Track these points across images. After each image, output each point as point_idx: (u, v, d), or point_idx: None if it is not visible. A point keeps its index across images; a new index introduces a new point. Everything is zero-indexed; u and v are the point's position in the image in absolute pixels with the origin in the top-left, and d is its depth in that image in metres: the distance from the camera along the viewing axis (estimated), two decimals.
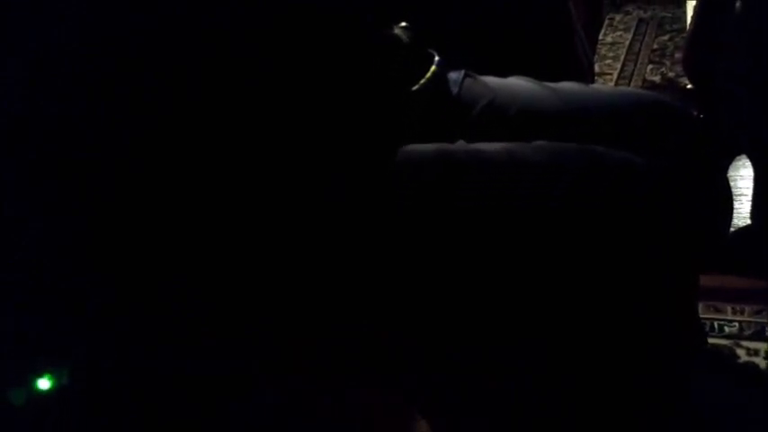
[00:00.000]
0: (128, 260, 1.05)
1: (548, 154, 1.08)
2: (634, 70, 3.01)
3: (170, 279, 1.05)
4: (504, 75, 1.33)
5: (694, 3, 2.01)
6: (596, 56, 2.92)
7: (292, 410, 1.08)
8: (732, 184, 1.70)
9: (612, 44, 3.22)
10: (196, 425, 1.08)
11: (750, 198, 2.02)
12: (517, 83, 1.30)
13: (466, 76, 1.29)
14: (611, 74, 3.00)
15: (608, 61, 3.09)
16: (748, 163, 2.05)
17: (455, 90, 1.26)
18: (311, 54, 1.06)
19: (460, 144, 1.14)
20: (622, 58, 3.11)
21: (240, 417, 1.07)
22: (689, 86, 2.06)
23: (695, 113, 1.91)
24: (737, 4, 1.80)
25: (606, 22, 3.26)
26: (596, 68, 2.91)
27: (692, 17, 2.00)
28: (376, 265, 1.04)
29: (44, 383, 1.06)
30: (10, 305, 1.05)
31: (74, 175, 1.03)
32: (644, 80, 2.94)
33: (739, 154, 2.04)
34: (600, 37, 2.95)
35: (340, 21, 1.11)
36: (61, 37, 1.01)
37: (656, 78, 2.93)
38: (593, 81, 2.07)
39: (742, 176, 2.14)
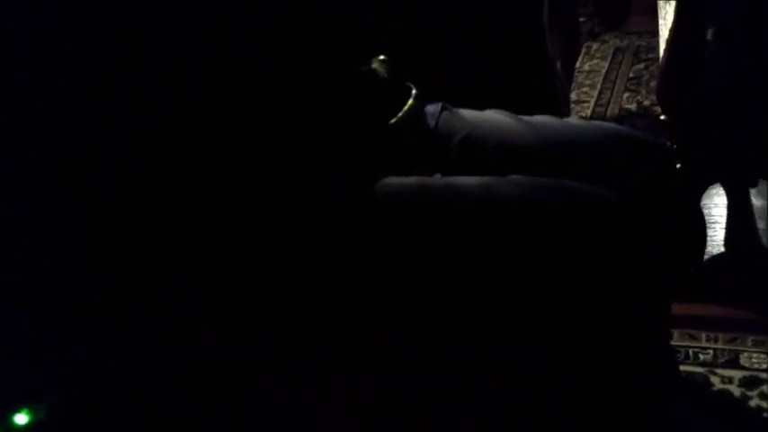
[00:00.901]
0: (128, 260, 1.05)
1: (523, 189, 1.10)
2: (611, 98, 3.05)
3: (170, 279, 1.05)
4: (480, 108, 1.35)
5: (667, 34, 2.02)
6: (574, 83, 2.94)
7: (292, 410, 1.08)
8: (706, 212, 1.71)
9: (590, 72, 3.26)
10: (196, 425, 1.08)
11: (724, 226, 2.03)
12: (494, 116, 1.31)
13: (443, 109, 1.30)
14: (587, 101, 3.03)
15: (585, 89, 3.12)
16: (722, 191, 2.06)
17: (432, 123, 1.28)
18: (309, 55, 1.07)
19: (437, 178, 1.16)
20: (599, 86, 3.15)
21: (240, 417, 1.07)
22: (662, 117, 2.08)
23: (668, 144, 1.92)
24: (709, 33, 1.82)
25: (583, 50, 3.29)
26: (573, 96, 2.94)
27: (665, 48, 2.02)
28: (375, 264, 1.04)
29: (21, 419, 1.06)
30: (10, 305, 1.05)
31: (74, 175, 1.03)
32: (620, 108, 2.98)
33: (713, 183, 2.05)
34: (577, 65, 2.99)
35: (339, 21, 1.11)
36: (61, 37, 1.01)
37: (632, 106, 2.97)
38: (568, 111, 2.08)
39: (716, 204, 2.14)
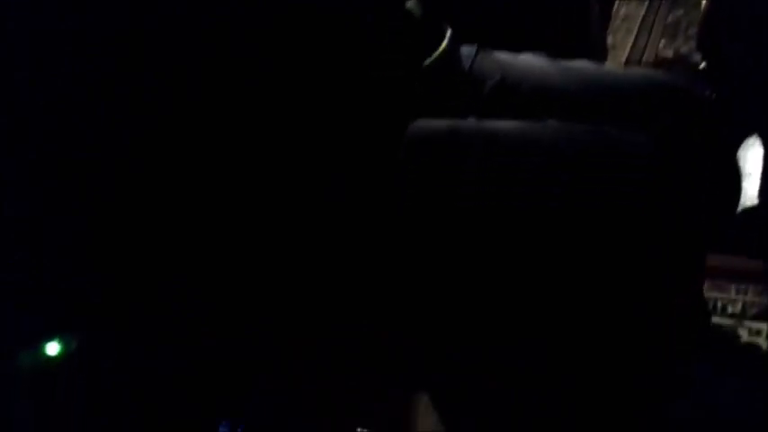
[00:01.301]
0: (128, 260, 1.05)
1: (560, 134, 1.08)
2: (647, 45, 2.88)
3: (170, 279, 1.05)
4: (516, 51, 1.31)
5: None
6: (609, 29, 2.84)
7: (292, 410, 1.08)
8: (741, 163, 1.67)
9: (626, 17, 3.12)
10: (196, 425, 1.08)
11: (758, 178, 1.98)
12: (529, 60, 1.28)
13: (478, 51, 1.26)
14: (623, 47, 2.87)
15: (620, 34, 2.94)
16: (758, 143, 2.00)
17: (467, 65, 1.24)
18: (312, 54, 1.06)
19: (471, 121, 1.13)
20: (635, 31, 2.95)
21: (240, 417, 1.07)
22: (702, 66, 2.02)
23: (707, 93, 1.88)
24: None
25: None
26: (608, 41, 2.83)
27: None
28: (375, 264, 1.04)
29: (52, 349, 1.05)
30: (10, 305, 1.04)
31: (74, 175, 1.03)
32: (656, 55, 2.83)
33: (750, 134, 2.01)
34: (613, 9, 2.88)
35: (340, 22, 1.11)
36: (61, 37, 1.01)
37: (669, 54, 2.85)
38: (605, 56, 2.02)
39: (751, 156, 2.10)
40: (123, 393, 1.07)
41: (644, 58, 2.83)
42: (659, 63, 2.78)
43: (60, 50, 1.01)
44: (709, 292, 1.74)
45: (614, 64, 2.64)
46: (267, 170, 1.05)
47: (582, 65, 1.28)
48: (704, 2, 2.02)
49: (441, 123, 1.11)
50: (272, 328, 1.06)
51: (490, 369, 1.04)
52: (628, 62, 2.80)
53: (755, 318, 1.70)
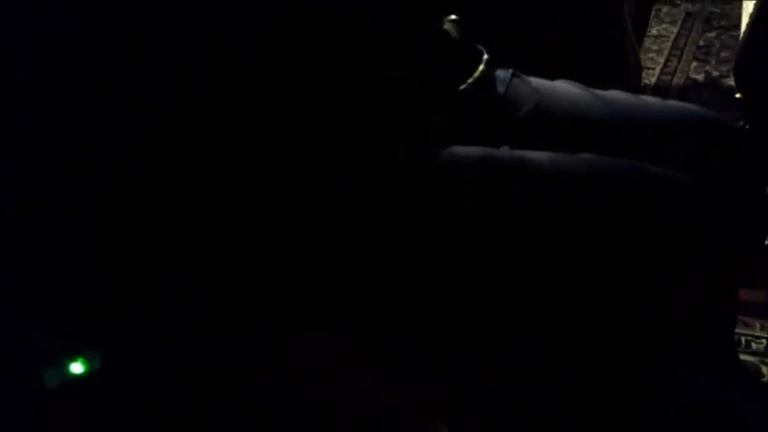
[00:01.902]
0: (128, 260, 1.05)
1: (595, 169, 1.07)
2: (678, 66, 2.87)
3: (170, 279, 1.05)
4: (551, 77, 1.30)
5: (752, 2, 1.93)
6: (641, 49, 2.80)
7: (292, 410, 1.07)
8: None
9: (657, 37, 3.04)
10: (196, 425, 1.08)
11: None
12: (565, 87, 1.28)
13: (513, 75, 1.26)
14: (653, 68, 2.85)
15: (651, 54, 2.93)
16: None
17: (501, 90, 1.23)
18: (313, 54, 1.06)
19: (505, 150, 1.12)
20: (666, 52, 2.95)
21: (240, 416, 1.07)
22: (737, 95, 1.99)
23: (740, 124, 1.86)
24: None
25: (653, 13, 3.11)
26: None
27: (750, 20, 1.88)
28: (375, 264, 1.04)
29: (77, 367, 1.05)
30: (10, 305, 1.05)
31: (74, 175, 1.03)
32: (687, 77, 2.80)
33: None
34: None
35: (341, 22, 1.11)
36: (61, 37, 1.01)
37: (700, 77, 2.78)
38: (640, 81, 2.00)
39: None
40: (123, 393, 1.06)
41: (674, 81, 2.80)
42: (689, 86, 2.75)
43: (60, 50, 1.01)
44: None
45: (645, 86, 2.60)
46: (268, 170, 1.05)
47: (617, 95, 1.27)
48: (744, 25, 1.98)
49: (473, 150, 1.10)
50: (271, 328, 1.06)
51: (490, 369, 1.04)
52: (658, 84, 2.77)
53: None
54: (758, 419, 1.41)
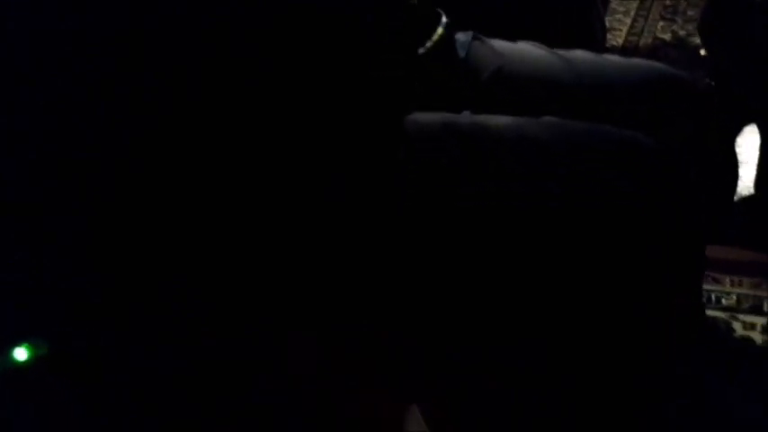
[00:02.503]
0: (127, 260, 1.05)
1: (557, 132, 1.05)
2: (644, 26, 2.85)
3: (170, 279, 1.05)
4: (513, 38, 1.27)
5: None
6: (607, 10, 2.79)
7: (292, 411, 1.07)
8: (737, 151, 1.67)
9: None
10: (196, 425, 1.08)
11: (754, 167, 1.94)
12: (528, 49, 1.25)
13: (474, 38, 1.23)
14: (620, 29, 2.83)
15: (618, 16, 2.90)
16: (755, 130, 1.95)
17: (462, 53, 1.20)
18: (312, 54, 1.06)
19: (466, 115, 1.10)
20: (633, 13, 2.92)
21: (240, 416, 1.07)
22: (702, 52, 1.98)
23: (707, 81, 1.84)
24: None
25: None
26: (606, 24, 2.78)
27: None
28: (375, 264, 1.04)
29: (21, 354, 1.04)
30: (10, 305, 1.04)
31: (74, 175, 1.03)
32: (654, 37, 2.79)
33: (748, 122, 1.95)
34: None
35: (341, 22, 1.11)
36: (61, 37, 1.01)
37: (667, 36, 2.78)
38: (605, 42, 1.99)
39: (747, 144, 2.01)
40: (123, 393, 1.06)
41: (642, 41, 2.79)
42: (656, 46, 2.74)
43: (60, 50, 1.01)
44: (704, 284, 1.71)
45: (612, 47, 2.59)
46: (267, 170, 1.05)
47: (581, 55, 1.24)
48: None
49: (434, 117, 1.08)
50: (271, 328, 1.06)
51: (490, 369, 1.03)
52: (625, 45, 2.76)
53: (750, 311, 1.67)
54: (759, 419, 1.42)
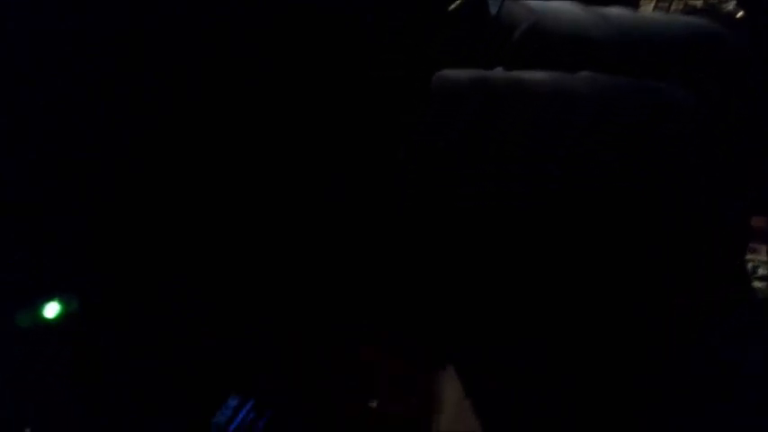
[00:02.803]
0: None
1: (595, 87, 1.03)
2: None
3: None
4: None
5: None
6: None
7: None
8: None
9: None
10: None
11: None
12: (562, 6, 1.20)
13: None
14: None
15: None
16: None
17: (494, 10, 1.16)
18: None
19: (499, 71, 1.07)
20: None
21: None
22: (740, 14, 1.94)
23: (745, 42, 1.80)
24: None
25: None
26: None
27: None
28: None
29: (51, 310, 1.03)
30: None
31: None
32: (685, 4, 2.79)
33: None
34: None
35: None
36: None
37: (698, 2, 2.79)
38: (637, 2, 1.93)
39: None
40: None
41: (672, 8, 2.73)
42: (688, 12, 2.68)
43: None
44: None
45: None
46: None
47: (618, 12, 1.20)
48: None
49: (465, 73, 1.05)
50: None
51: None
52: (655, 10, 2.72)
53: None
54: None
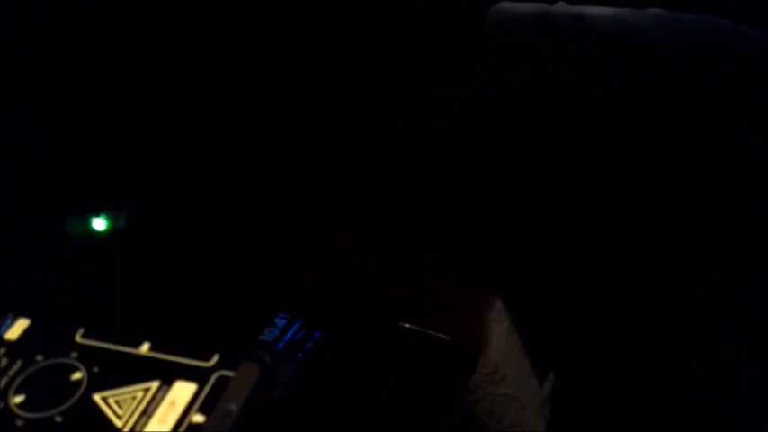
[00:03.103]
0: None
1: (664, 24, 0.96)
2: None
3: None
4: None
5: None
6: None
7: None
8: None
9: None
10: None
11: None
12: None
13: None
14: None
15: None
16: None
17: None
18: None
19: (561, 6, 1.01)
20: None
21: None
22: None
23: None
24: None
25: None
26: None
27: None
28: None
29: (99, 224, 1.02)
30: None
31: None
32: None
33: None
34: None
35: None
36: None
37: None
38: None
39: None
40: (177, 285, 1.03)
41: None
42: None
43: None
44: None
45: None
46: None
47: None
48: None
49: (527, 6, 0.99)
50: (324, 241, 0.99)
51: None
52: None
53: None
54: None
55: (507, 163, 0.95)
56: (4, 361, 0.79)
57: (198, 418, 0.72)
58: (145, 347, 0.79)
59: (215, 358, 0.77)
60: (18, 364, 0.78)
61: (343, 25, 1.01)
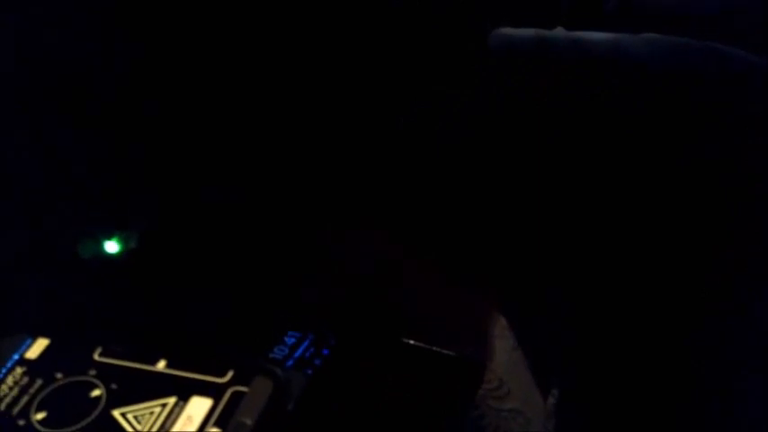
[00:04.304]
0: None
1: (659, 49, 0.96)
2: None
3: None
4: None
5: None
6: None
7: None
8: None
9: None
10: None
11: None
12: None
13: None
14: None
15: None
16: None
17: None
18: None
19: (560, 31, 1.01)
20: None
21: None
22: None
23: None
24: None
25: None
26: None
27: None
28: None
29: (112, 246, 1.04)
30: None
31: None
32: None
33: None
34: None
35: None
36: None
37: None
38: None
39: None
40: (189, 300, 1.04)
41: None
42: None
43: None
44: None
45: None
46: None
47: None
48: None
49: (526, 32, 0.99)
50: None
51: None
52: None
53: None
54: None
55: (507, 163, 0.98)
56: (25, 379, 0.81)
57: (214, 431, 0.74)
58: (161, 364, 0.82)
59: (229, 374, 0.80)
60: (39, 382, 0.81)
61: (343, 25, 1.02)
